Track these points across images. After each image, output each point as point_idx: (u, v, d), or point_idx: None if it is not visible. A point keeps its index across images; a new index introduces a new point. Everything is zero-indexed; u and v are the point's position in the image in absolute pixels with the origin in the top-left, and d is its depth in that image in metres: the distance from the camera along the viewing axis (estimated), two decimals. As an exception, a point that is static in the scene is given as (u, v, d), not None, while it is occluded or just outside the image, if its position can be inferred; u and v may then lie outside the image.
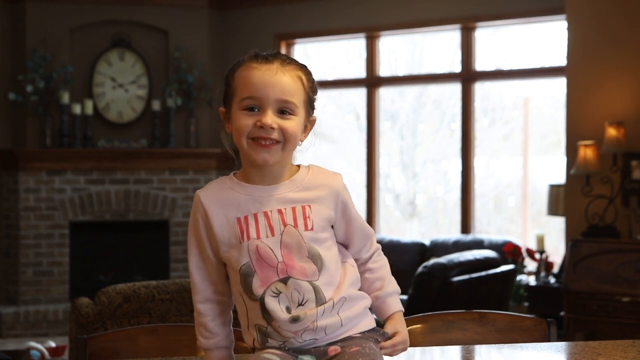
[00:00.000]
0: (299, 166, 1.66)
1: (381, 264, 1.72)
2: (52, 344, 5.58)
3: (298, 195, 1.61)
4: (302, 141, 1.64)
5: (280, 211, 1.59)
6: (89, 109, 7.11)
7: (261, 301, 1.58)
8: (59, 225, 7.14)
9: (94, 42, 7.31)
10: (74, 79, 7.14)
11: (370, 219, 7.21)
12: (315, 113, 1.68)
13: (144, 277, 7.18)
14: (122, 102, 7.31)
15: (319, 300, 1.59)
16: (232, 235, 1.59)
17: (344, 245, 1.69)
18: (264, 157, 1.57)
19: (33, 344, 5.33)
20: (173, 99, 7.19)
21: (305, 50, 7.85)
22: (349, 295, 1.62)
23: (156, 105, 7.21)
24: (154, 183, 7.28)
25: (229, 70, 1.64)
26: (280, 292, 1.58)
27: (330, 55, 7.94)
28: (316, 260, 1.59)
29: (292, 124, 1.58)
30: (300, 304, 1.58)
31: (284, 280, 1.58)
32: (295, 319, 1.57)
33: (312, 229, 1.59)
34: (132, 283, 3.50)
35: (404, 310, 1.73)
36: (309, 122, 1.66)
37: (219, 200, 1.61)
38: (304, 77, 1.62)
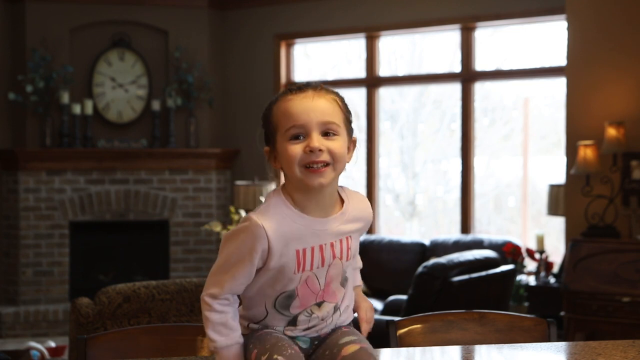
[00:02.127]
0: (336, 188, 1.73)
1: (359, 260, 1.85)
2: (52, 344, 5.58)
3: (347, 227, 1.70)
4: (348, 162, 1.72)
5: (332, 244, 1.68)
6: (89, 109, 7.11)
7: (294, 317, 1.70)
8: (58, 225, 7.14)
9: (94, 42, 7.31)
10: (74, 79, 7.14)
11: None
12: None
13: (144, 277, 7.18)
14: (122, 102, 7.31)
15: (335, 316, 1.74)
16: (289, 264, 1.66)
17: None
18: (319, 181, 1.63)
19: (33, 344, 5.33)
20: (173, 99, 7.19)
21: (305, 50, 7.85)
22: (349, 306, 1.78)
23: (156, 105, 7.21)
24: (154, 183, 7.28)
25: (266, 110, 1.70)
26: (314, 313, 1.70)
27: (330, 55, 7.93)
28: (344, 284, 1.74)
29: (338, 144, 1.65)
30: (322, 320, 1.73)
31: (319, 304, 1.71)
32: (310, 328, 1.72)
33: (348, 259, 1.72)
34: (132, 283, 3.50)
35: (362, 283, 1.88)
36: (352, 143, 1.73)
37: (283, 234, 1.64)
38: (338, 100, 1.70)
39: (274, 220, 1.64)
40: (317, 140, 1.62)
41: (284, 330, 1.71)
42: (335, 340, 1.69)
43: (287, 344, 1.61)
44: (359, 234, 1.74)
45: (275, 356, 1.57)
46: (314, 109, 1.63)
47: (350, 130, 1.71)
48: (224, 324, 1.69)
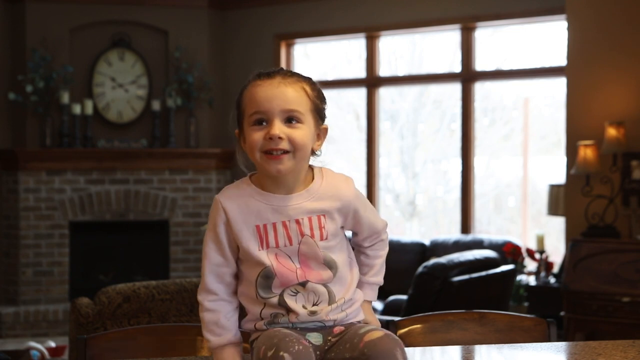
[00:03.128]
0: (312, 169, 1.73)
1: (378, 255, 1.82)
2: (52, 344, 5.58)
3: (314, 205, 1.69)
4: (316, 150, 1.72)
5: (297, 221, 1.68)
6: (89, 109, 7.11)
7: (280, 297, 1.68)
8: (58, 225, 7.14)
9: (94, 42, 7.31)
10: (74, 79, 7.14)
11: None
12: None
13: (144, 277, 7.18)
14: (122, 102, 7.31)
15: (331, 300, 1.71)
16: (252, 240, 1.68)
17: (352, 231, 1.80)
18: (276, 168, 1.65)
19: (33, 344, 5.33)
20: (173, 99, 7.19)
21: (305, 50, 7.85)
22: (354, 297, 1.75)
23: (156, 105, 7.21)
24: (154, 183, 7.28)
25: (238, 95, 1.72)
26: (298, 292, 1.69)
27: (330, 55, 7.93)
28: (331, 266, 1.71)
29: (300, 132, 1.66)
30: (314, 304, 1.70)
31: (303, 284, 1.69)
32: (312, 313, 1.69)
33: (326, 239, 1.69)
34: (132, 283, 3.50)
35: (375, 300, 1.83)
36: (321, 131, 1.72)
37: (239, 207, 1.69)
38: (307, 88, 1.69)
39: (233, 195, 1.70)
40: (277, 128, 1.64)
41: (289, 324, 1.68)
42: (355, 331, 1.67)
43: (295, 339, 1.58)
44: (338, 215, 1.71)
45: (281, 353, 1.54)
46: (278, 96, 1.65)
47: (320, 118, 1.71)
48: (215, 323, 1.70)
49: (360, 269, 1.80)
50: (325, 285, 1.70)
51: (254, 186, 1.70)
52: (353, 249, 1.81)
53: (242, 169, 1.75)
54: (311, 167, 1.74)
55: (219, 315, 1.71)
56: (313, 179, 1.72)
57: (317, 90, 1.71)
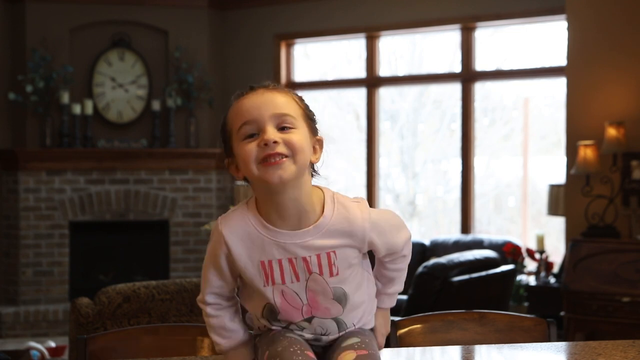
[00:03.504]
0: (322, 193, 1.59)
1: (398, 268, 1.72)
2: (52, 344, 5.58)
3: (323, 242, 1.56)
4: (315, 162, 1.59)
5: (304, 259, 1.56)
6: (89, 109, 7.11)
7: (284, 329, 1.63)
8: (58, 225, 7.14)
9: (94, 42, 7.31)
10: (74, 79, 7.14)
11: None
12: (316, 115, 1.64)
13: (144, 277, 7.18)
14: (122, 102, 7.31)
15: (341, 329, 1.65)
16: (257, 275, 1.58)
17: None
18: (278, 174, 1.50)
19: (33, 344, 5.33)
20: (173, 99, 7.19)
21: (305, 50, 7.85)
22: (365, 318, 1.69)
23: (156, 105, 7.21)
24: (154, 183, 7.28)
25: (222, 121, 1.62)
26: (304, 328, 1.63)
27: (330, 55, 7.93)
28: (341, 299, 1.62)
29: (296, 136, 1.53)
30: (322, 334, 1.64)
31: (309, 320, 1.62)
32: (317, 339, 1.65)
33: (337, 274, 1.59)
34: (132, 283, 3.50)
35: (391, 306, 1.75)
36: (317, 143, 1.60)
37: (243, 241, 1.57)
38: (295, 97, 1.59)
39: (236, 227, 1.57)
40: (271, 133, 1.51)
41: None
42: (340, 341, 1.63)
43: (299, 349, 1.54)
44: (351, 249, 1.59)
45: None
46: (265, 102, 1.54)
47: (313, 128, 1.58)
48: (222, 327, 1.67)
49: (379, 279, 1.71)
50: (334, 318, 1.63)
51: (258, 216, 1.56)
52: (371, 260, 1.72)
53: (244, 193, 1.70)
54: (321, 191, 1.60)
55: (224, 319, 1.67)
56: (323, 210, 1.57)
57: (305, 102, 1.60)
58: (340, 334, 1.64)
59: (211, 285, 1.63)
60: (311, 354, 1.56)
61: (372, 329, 1.71)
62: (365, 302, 1.67)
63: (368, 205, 1.62)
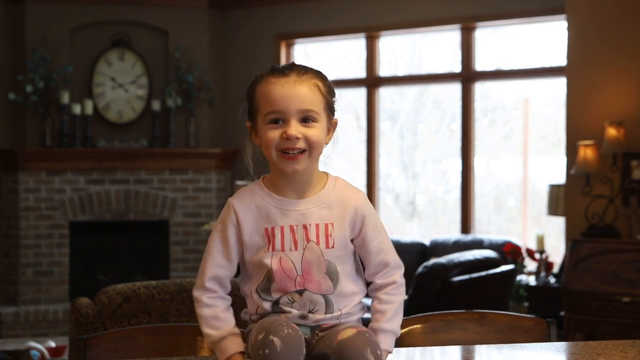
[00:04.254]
0: (326, 175, 1.75)
1: (392, 300, 1.74)
2: (52, 344, 5.58)
3: (322, 212, 1.70)
4: (326, 142, 1.73)
5: (305, 226, 1.69)
6: (89, 109, 7.11)
7: (275, 302, 1.70)
8: (58, 225, 7.14)
9: (94, 42, 7.31)
10: (74, 79, 7.14)
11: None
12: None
13: (144, 277, 7.18)
14: (122, 102, 7.31)
15: (329, 310, 1.71)
16: (259, 243, 1.70)
17: (361, 261, 1.78)
18: (293, 167, 1.67)
19: (33, 344, 5.33)
20: (173, 99, 7.19)
21: (305, 50, 7.84)
22: (353, 311, 1.74)
23: (156, 105, 7.21)
24: (154, 183, 7.28)
25: (249, 87, 1.73)
26: (295, 301, 1.69)
27: (330, 55, 7.93)
28: (333, 276, 1.71)
29: (316, 131, 1.68)
30: (310, 311, 1.70)
31: (300, 292, 1.69)
32: (304, 317, 1.70)
33: (333, 247, 1.70)
34: (132, 283, 3.50)
35: (391, 352, 1.74)
36: (331, 125, 1.75)
37: (250, 209, 1.71)
38: (320, 84, 1.70)
39: (245, 198, 1.72)
40: (294, 128, 1.65)
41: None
42: (335, 328, 1.67)
43: (284, 323, 1.59)
44: (347, 224, 1.70)
45: (270, 336, 1.55)
46: (294, 96, 1.66)
47: (331, 112, 1.73)
48: (215, 317, 1.71)
49: (373, 315, 1.74)
50: (324, 295, 1.70)
51: (265, 189, 1.72)
52: (368, 285, 1.77)
53: (248, 162, 1.76)
54: (326, 174, 1.75)
55: (218, 309, 1.72)
56: (326, 183, 1.73)
57: (328, 85, 1.72)
58: (327, 315, 1.69)
59: (215, 264, 1.71)
60: (295, 327, 1.60)
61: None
62: (354, 296, 1.73)
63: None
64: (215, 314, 1.72)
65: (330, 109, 1.73)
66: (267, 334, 1.56)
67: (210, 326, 1.72)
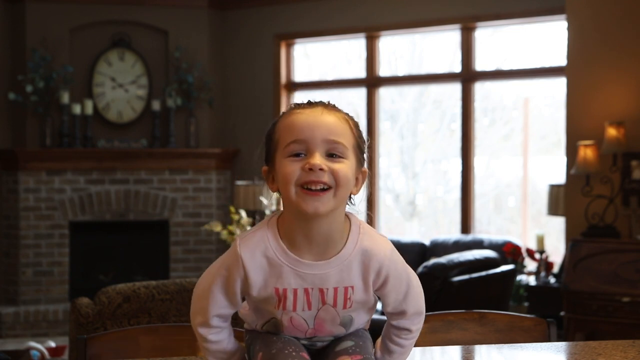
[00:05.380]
0: (349, 223, 1.53)
1: (402, 344, 1.63)
2: (52, 344, 5.58)
3: (342, 275, 1.51)
4: (354, 195, 1.52)
5: (321, 290, 1.51)
6: (89, 109, 7.11)
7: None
8: (58, 225, 7.14)
9: (94, 42, 7.31)
10: (74, 79, 7.14)
11: (371, 219, 7.20)
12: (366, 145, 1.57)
13: (144, 277, 7.18)
14: (122, 102, 7.31)
15: (336, 337, 1.62)
16: (269, 298, 1.53)
17: None
18: (314, 206, 1.43)
19: (33, 344, 5.33)
20: (173, 99, 7.19)
21: (305, 50, 7.85)
22: (362, 324, 1.65)
23: (156, 105, 7.21)
24: (154, 183, 7.28)
25: (270, 127, 1.52)
26: (304, 344, 1.60)
27: (330, 55, 7.93)
28: (347, 324, 1.59)
29: (344, 166, 1.45)
30: (318, 342, 1.62)
31: (310, 339, 1.60)
32: (312, 345, 1.62)
33: (350, 307, 1.55)
34: (132, 283, 3.50)
35: None
36: (361, 174, 1.53)
37: (262, 267, 1.50)
38: (351, 122, 1.51)
39: (256, 252, 1.50)
40: (318, 158, 1.43)
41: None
42: (333, 344, 1.60)
43: (294, 351, 1.51)
44: (370, 285, 1.53)
45: None
46: (320, 125, 1.45)
47: (361, 159, 1.51)
48: (222, 352, 1.63)
49: (380, 350, 1.65)
50: (335, 336, 1.61)
51: (280, 243, 1.50)
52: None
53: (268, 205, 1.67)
54: (348, 219, 1.53)
55: (223, 344, 1.61)
56: (347, 239, 1.51)
57: (359, 129, 1.52)
58: (335, 338, 1.63)
59: (217, 306, 1.55)
60: (306, 355, 1.53)
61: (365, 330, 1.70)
62: (364, 324, 1.65)
63: (392, 245, 1.56)
64: (222, 348, 1.61)
65: (360, 152, 1.51)
66: None
67: (217, 358, 1.64)
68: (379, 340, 1.67)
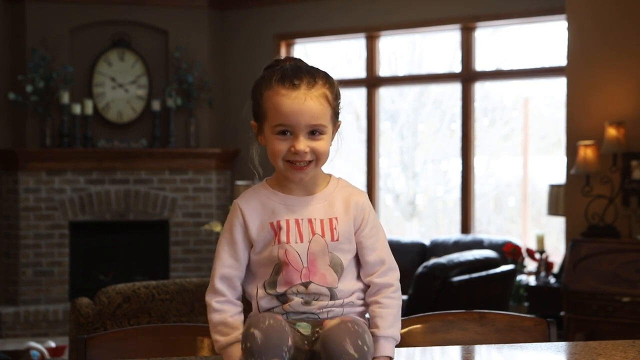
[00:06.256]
0: (329, 176, 1.79)
1: (391, 304, 1.73)
2: (52, 344, 5.58)
3: (327, 207, 1.74)
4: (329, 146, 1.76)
5: (310, 220, 1.72)
6: (89, 109, 7.11)
7: (282, 294, 1.70)
8: (59, 225, 7.14)
9: (94, 42, 7.31)
10: (74, 79, 7.14)
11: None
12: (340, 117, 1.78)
13: (144, 277, 7.18)
14: (122, 102, 7.31)
15: (332, 298, 1.72)
16: (267, 238, 1.72)
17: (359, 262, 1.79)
18: (299, 176, 1.71)
19: (33, 344, 5.33)
20: (173, 99, 7.19)
21: (305, 50, 7.85)
22: (355, 302, 1.74)
23: (156, 105, 7.21)
24: (154, 183, 7.28)
25: (256, 86, 1.76)
26: (300, 293, 1.70)
27: (330, 55, 7.93)
28: (337, 268, 1.72)
29: (323, 143, 1.71)
30: (315, 299, 1.71)
31: (306, 284, 1.70)
32: (307, 303, 1.70)
33: (337, 239, 1.72)
34: (132, 283, 3.50)
35: (392, 358, 1.72)
36: (335, 128, 1.76)
37: (256, 207, 1.74)
38: (329, 93, 1.72)
39: (250, 198, 1.75)
40: (302, 143, 1.68)
41: (282, 313, 1.69)
42: (328, 322, 1.65)
43: (268, 315, 1.59)
44: (351, 219, 1.73)
45: (251, 329, 1.54)
46: (304, 112, 1.68)
47: (337, 117, 1.75)
48: (223, 323, 1.70)
49: (373, 320, 1.72)
50: (329, 288, 1.71)
51: (270, 188, 1.75)
52: (364, 301, 1.75)
53: (255, 165, 1.79)
54: (329, 175, 1.79)
55: (226, 315, 1.71)
56: (329, 184, 1.77)
57: (336, 92, 1.74)
58: (330, 302, 1.70)
59: (223, 264, 1.73)
60: (280, 318, 1.60)
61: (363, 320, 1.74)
62: (356, 292, 1.74)
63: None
64: (224, 319, 1.71)
65: (336, 115, 1.75)
66: (249, 327, 1.56)
67: (218, 332, 1.71)
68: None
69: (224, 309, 1.72)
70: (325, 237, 1.71)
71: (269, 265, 1.71)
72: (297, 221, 1.72)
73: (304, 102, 1.68)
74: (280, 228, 1.71)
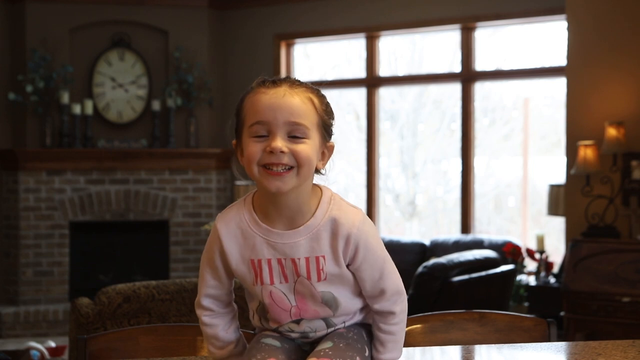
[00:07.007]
0: (320, 194, 1.57)
1: (392, 331, 1.63)
2: (52, 344, 5.58)
3: (312, 244, 1.54)
4: (320, 169, 1.56)
5: (293, 260, 1.55)
6: (89, 109, 7.11)
7: (276, 330, 1.64)
8: (59, 225, 7.14)
9: (94, 42, 7.31)
10: (74, 79, 7.14)
11: (371, 219, 7.19)
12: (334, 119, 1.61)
13: (144, 277, 7.18)
14: (122, 102, 7.31)
15: (330, 327, 1.63)
16: (247, 274, 1.58)
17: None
18: (276, 185, 1.48)
19: (33, 344, 5.33)
20: (173, 99, 7.19)
21: (305, 50, 7.85)
22: (356, 318, 1.66)
23: (156, 105, 7.21)
24: (154, 183, 7.28)
25: (239, 101, 1.58)
26: (293, 330, 1.62)
27: (330, 55, 7.93)
28: (330, 304, 1.60)
29: (305, 147, 1.50)
30: (311, 332, 1.63)
31: (297, 322, 1.62)
32: (305, 336, 1.64)
33: (325, 279, 1.56)
34: (132, 283, 3.50)
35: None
36: (327, 149, 1.57)
37: (236, 237, 1.56)
38: (315, 99, 1.54)
39: (230, 222, 1.57)
40: (279, 141, 1.48)
41: (280, 330, 1.65)
42: (317, 343, 1.62)
43: (262, 348, 1.56)
44: (341, 254, 1.54)
45: None
46: (282, 107, 1.49)
47: (326, 135, 1.55)
48: (215, 337, 1.66)
49: (373, 343, 1.64)
50: (324, 319, 1.61)
51: (254, 213, 1.56)
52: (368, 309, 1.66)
53: (240, 178, 1.71)
54: (320, 191, 1.57)
55: (217, 329, 1.66)
56: (316, 210, 1.55)
57: (325, 104, 1.56)
58: (329, 330, 1.63)
59: (207, 285, 1.63)
60: (273, 354, 1.56)
61: (362, 325, 1.68)
62: (357, 312, 1.65)
63: (366, 216, 1.58)
64: (215, 333, 1.66)
65: (325, 129, 1.54)
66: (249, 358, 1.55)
67: (212, 344, 1.68)
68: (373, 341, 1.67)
69: (214, 323, 1.66)
70: (311, 278, 1.55)
71: (255, 299, 1.63)
72: (279, 261, 1.55)
73: (283, 97, 1.50)
74: (261, 268, 1.55)
